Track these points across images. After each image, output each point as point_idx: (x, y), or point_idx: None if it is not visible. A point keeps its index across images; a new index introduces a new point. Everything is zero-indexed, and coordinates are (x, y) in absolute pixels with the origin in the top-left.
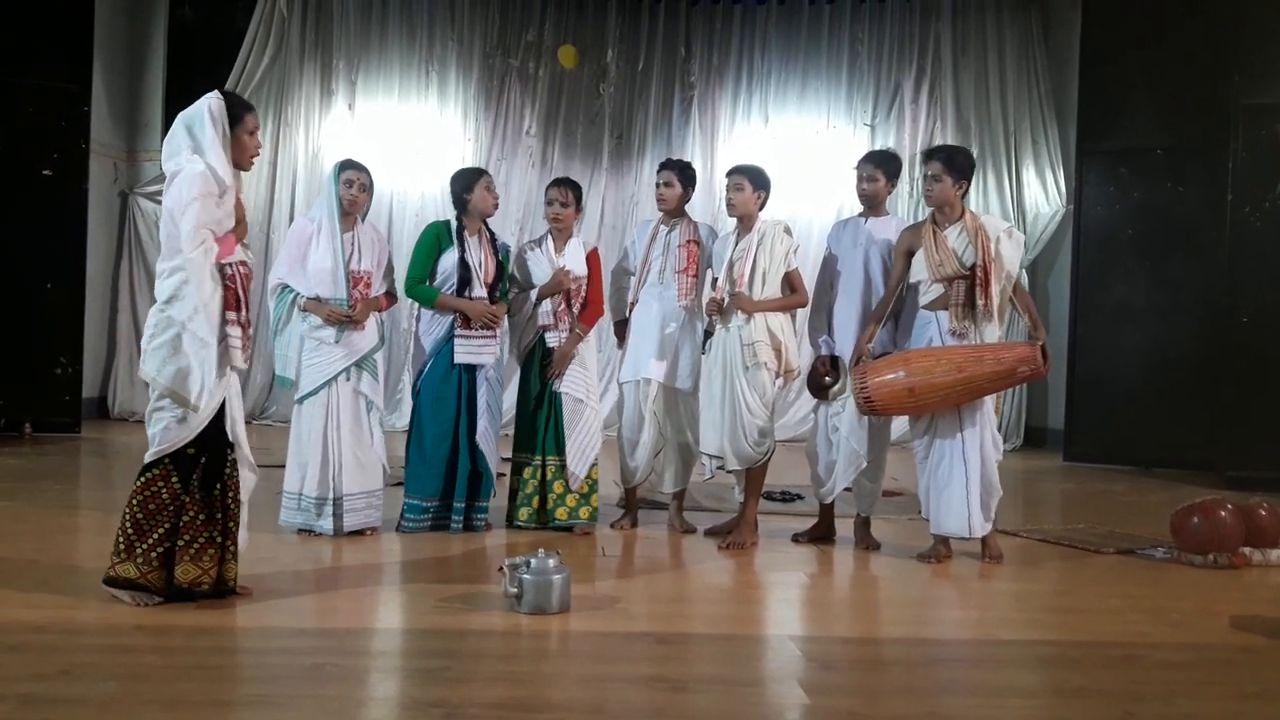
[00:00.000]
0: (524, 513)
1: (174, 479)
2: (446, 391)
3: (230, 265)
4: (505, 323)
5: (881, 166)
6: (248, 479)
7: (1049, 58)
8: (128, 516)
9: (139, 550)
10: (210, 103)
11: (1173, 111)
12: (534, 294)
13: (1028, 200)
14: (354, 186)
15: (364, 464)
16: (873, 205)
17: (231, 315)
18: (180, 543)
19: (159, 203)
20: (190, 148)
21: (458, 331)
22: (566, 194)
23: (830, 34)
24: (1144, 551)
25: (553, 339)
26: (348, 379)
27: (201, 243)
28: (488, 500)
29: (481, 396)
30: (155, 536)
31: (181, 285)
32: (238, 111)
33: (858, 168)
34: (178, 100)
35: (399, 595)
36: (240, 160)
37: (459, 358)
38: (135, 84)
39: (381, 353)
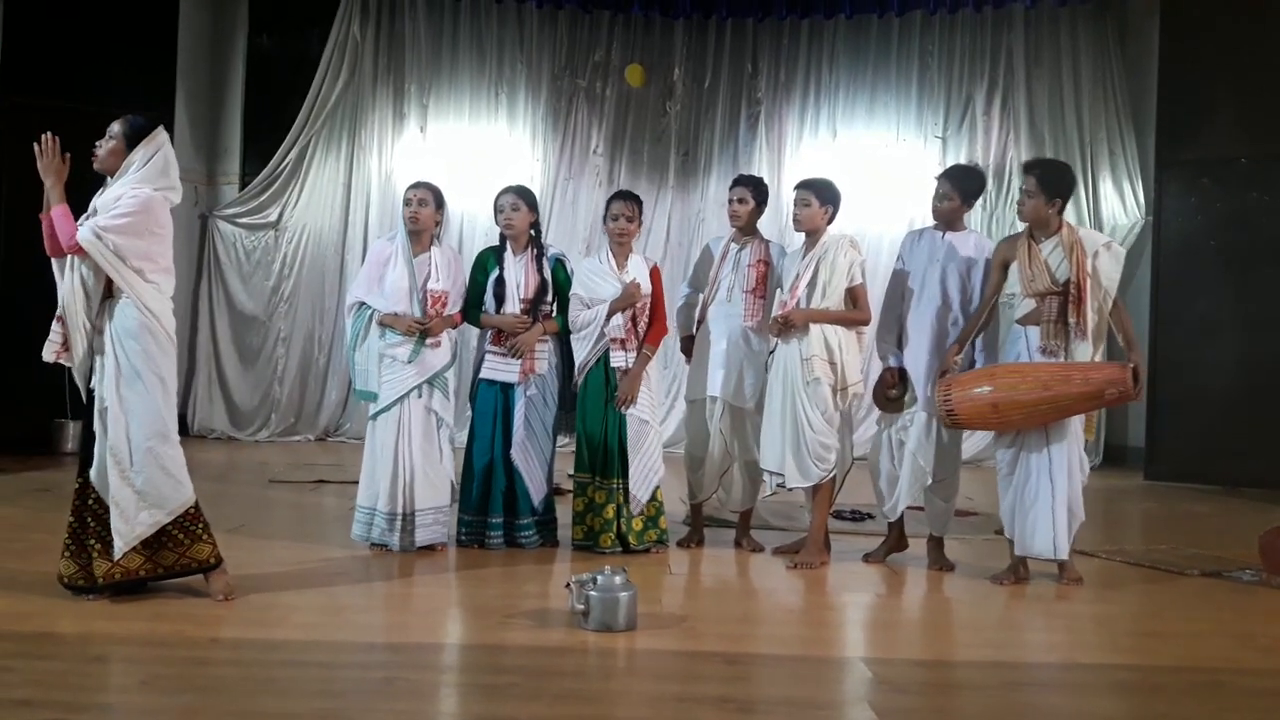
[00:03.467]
0: (606, 538)
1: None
2: (485, 408)
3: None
4: (549, 339)
5: (959, 186)
6: (98, 485)
7: (1125, 66)
8: None
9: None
10: None
11: (1256, 119)
12: (602, 310)
13: (1105, 212)
14: (412, 204)
15: (433, 480)
16: (947, 222)
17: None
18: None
19: (238, 225)
20: None
21: (488, 348)
22: (634, 209)
23: (899, 47)
24: (1231, 574)
25: (619, 359)
26: (419, 396)
27: None
28: (529, 517)
29: (519, 412)
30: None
31: None
32: None
33: (937, 181)
34: (256, 126)
35: (467, 611)
36: None
37: (484, 373)
38: (215, 110)
39: (452, 371)
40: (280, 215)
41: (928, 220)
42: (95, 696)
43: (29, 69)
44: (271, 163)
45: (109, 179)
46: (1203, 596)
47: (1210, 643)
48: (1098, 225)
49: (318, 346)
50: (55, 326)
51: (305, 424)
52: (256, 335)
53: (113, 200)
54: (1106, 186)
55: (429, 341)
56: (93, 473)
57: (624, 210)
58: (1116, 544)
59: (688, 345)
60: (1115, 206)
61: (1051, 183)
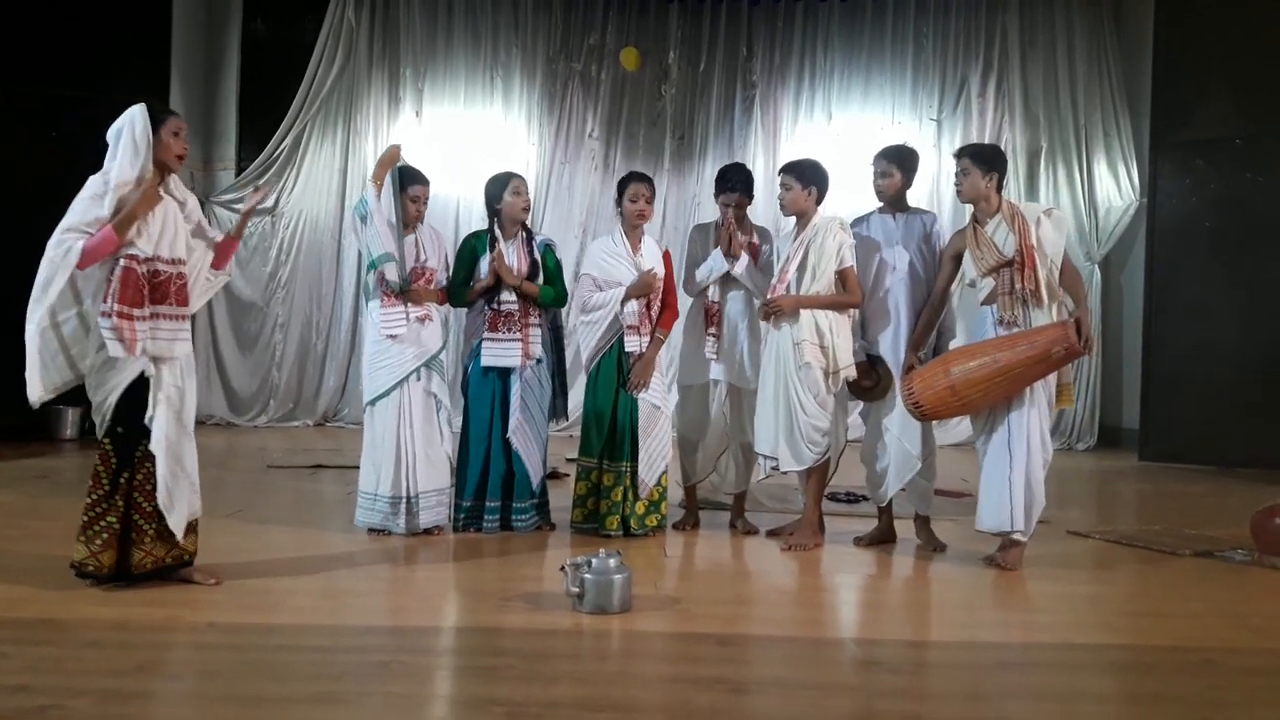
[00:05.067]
0: (612, 521)
1: (111, 458)
2: (482, 392)
3: (125, 256)
4: (540, 319)
5: (897, 162)
6: (163, 476)
7: (1121, 47)
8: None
9: (88, 531)
10: (134, 110)
11: (1251, 100)
12: (617, 294)
13: (1099, 194)
14: (419, 201)
15: (434, 462)
16: (891, 201)
17: (103, 306)
18: (83, 520)
19: (234, 210)
20: (109, 155)
21: (485, 335)
22: (651, 190)
23: (894, 29)
24: (1223, 554)
25: (633, 344)
26: (418, 379)
27: (61, 243)
28: (527, 500)
29: (515, 395)
30: (95, 514)
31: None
32: (159, 116)
33: (873, 162)
34: (252, 110)
35: (463, 594)
36: (165, 158)
37: (485, 361)
38: (210, 95)
39: (446, 353)
40: (277, 201)
41: (917, 204)
42: (92, 681)
43: (23, 56)
44: (267, 148)
45: (163, 177)
46: (1195, 576)
47: (1203, 622)
48: (1092, 206)
49: (315, 332)
50: (171, 323)
51: (303, 409)
52: (254, 321)
53: (195, 207)
54: (1101, 168)
55: (416, 315)
56: (157, 446)
57: (643, 191)
58: (1110, 524)
59: (713, 315)
60: (1110, 188)
61: (984, 157)
